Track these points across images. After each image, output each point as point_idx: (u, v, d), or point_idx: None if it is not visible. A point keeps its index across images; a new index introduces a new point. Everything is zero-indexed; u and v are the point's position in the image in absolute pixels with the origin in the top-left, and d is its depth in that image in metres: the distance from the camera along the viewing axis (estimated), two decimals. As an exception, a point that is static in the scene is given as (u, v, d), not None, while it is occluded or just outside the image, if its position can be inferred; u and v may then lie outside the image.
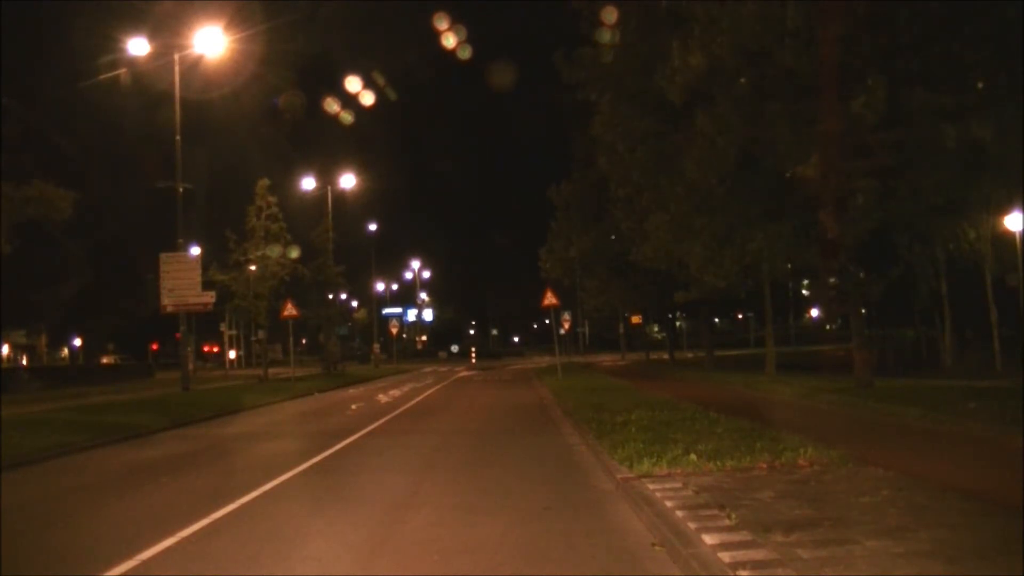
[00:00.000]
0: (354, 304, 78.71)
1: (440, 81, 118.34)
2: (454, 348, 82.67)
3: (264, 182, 34.60)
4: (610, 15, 19.60)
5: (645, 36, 19.18)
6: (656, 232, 21.59)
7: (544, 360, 53.75)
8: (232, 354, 60.99)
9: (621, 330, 59.33)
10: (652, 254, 23.05)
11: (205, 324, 52.30)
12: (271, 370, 36.99)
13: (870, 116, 14.51)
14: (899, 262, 26.13)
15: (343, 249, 45.64)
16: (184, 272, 25.15)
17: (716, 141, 17.15)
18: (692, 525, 5.72)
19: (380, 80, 33.88)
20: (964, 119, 13.64)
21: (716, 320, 78.59)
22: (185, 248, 26.97)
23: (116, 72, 23.50)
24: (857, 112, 14.58)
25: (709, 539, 5.34)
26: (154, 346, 63.47)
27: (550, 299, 26.58)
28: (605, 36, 20.34)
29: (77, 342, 57.87)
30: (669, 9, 17.73)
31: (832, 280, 18.05)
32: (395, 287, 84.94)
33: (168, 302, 24.99)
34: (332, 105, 33.50)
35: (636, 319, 53.18)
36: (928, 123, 14.33)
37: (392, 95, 36.06)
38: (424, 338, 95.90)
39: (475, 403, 20.32)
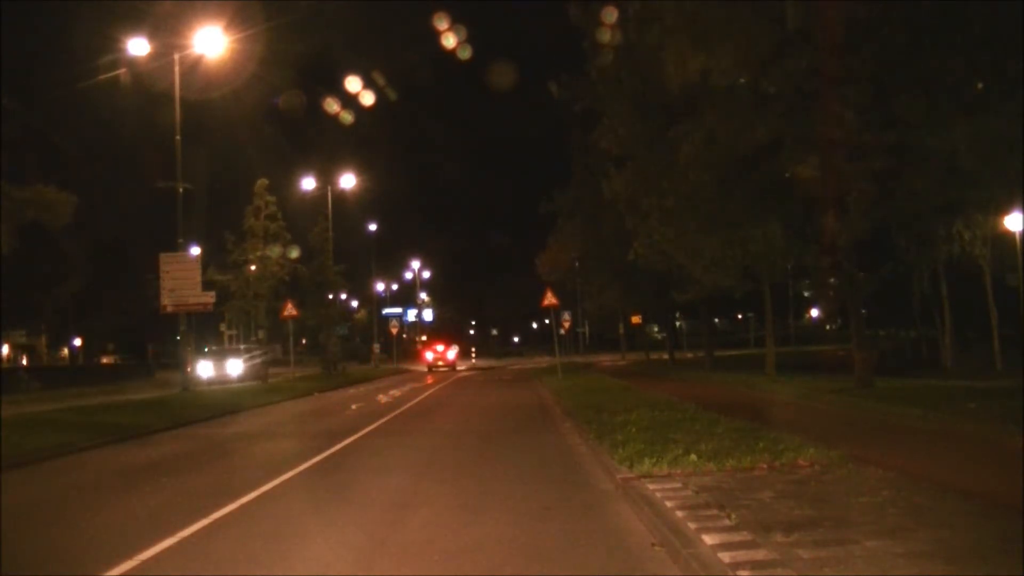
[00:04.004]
0: (354, 304, 78.65)
1: (440, 81, 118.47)
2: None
3: (263, 182, 34.63)
4: (610, 15, 19.63)
5: (644, 39, 19.21)
6: (654, 236, 21.65)
7: (544, 360, 53.74)
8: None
9: (621, 330, 59.32)
10: (649, 255, 23.08)
11: (205, 324, 52.27)
12: (271, 370, 36.99)
13: (854, 120, 14.56)
14: (896, 261, 26.12)
15: (343, 249, 45.75)
16: (184, 272, 25.13)
17: (714, 137, 17.18)
18: (692, 525, 5.73)
19: (380, 80, 33.89)
20: (956, 125, 13.66)
21: (716, 320, 78.56)
22: (185, 248, 26.96)
23: (116, 72, 23.48)
24: (845, 116, 14.64)
25: (709, 539, 5.34)
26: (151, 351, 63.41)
27: (550, 299, 26.59)
28: (605, 36, 20.38)
29: (77, 342, 57.81)
30: (666, 12, 17.73)
31: (831, 280, 18.08)
32: (395, 287, 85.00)
33: (168, 302, 24.96)
34: (332, 105, 33.51)
35: (636, 319, 53.15)
36: (922, 128, 14.36)
37: (392, 95, 36.08)
38: (424, 338, 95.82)
39: (475, 403, 20.32)
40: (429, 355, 38.68)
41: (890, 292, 30.89)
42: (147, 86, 24.91)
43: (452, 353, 31.13)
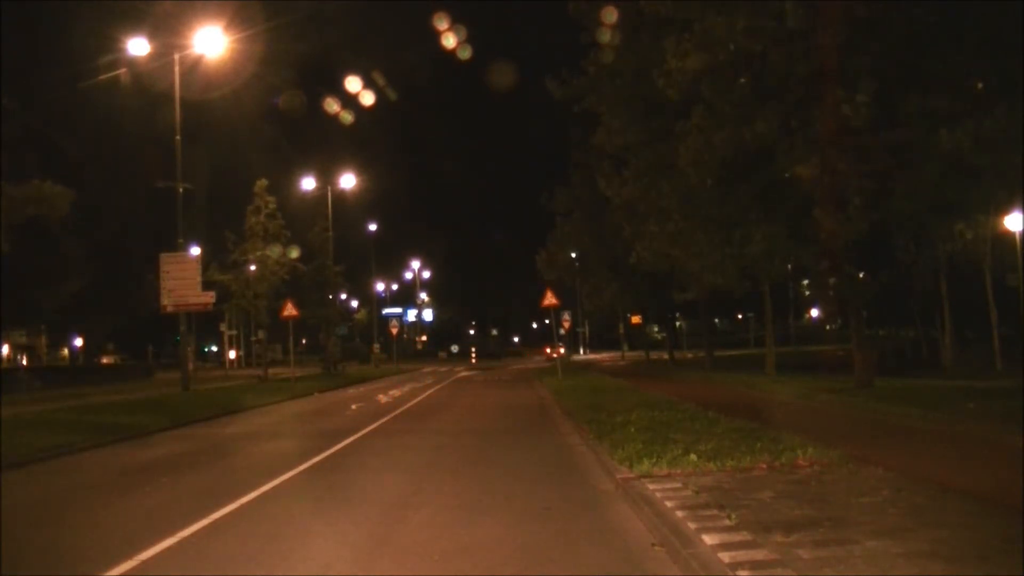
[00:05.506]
0: (354, 304, 78.67)
1: (440, 81, 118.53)
2: (454, 348, 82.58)
3: (263, 182, 34.61)
4: (610, 15, 19.67)
5: (643, 39, 19.24)
6: (654, 239, 21.68)
7: (544, 360, 53.80)
8: (232, 354, 60.93)
9: (621, 330, 59.36)
10: (649, 257, 23.10)
11: (205, 324, 52.28)
12: (271, 370, 36.99)
13: (856, 120, 14.58)
14: (895, 263, 26.14)
15: (343, 249, 45.72)
16: (184, 272, 25.13)
17: (712, 139, 17.18)
18: (692, 525, 5.73)
19: (380, 80, 33.93)
20: (958, 123, 13.68)
21: (716, 320, 78.61)
22: (185, 248, 26.96)
23: (116, 72, 23.47)
24: (846, 115, 14.66)
25: (709, 539, 5.34)
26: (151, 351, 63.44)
27: (550, 299, 26.59)
28: (605, 36, 20.40)
29: (77, 342, 57.83)
30: (665, 13, 17.73)
31: (832, 280, 18.08)
32: (395, 287, 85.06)
33: (168, 302, 24.97)
34: (332, 105, 33.53)
35: (636, 319, 53.21)
36: (923, 126, 14.38)
37: (392, 95, 36.12)
38: (424, 338, 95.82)
39: (475, 403, 20.32)
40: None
41: (890, 292, 30.92)
42: (147, 86, 24.92)
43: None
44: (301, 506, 7.72)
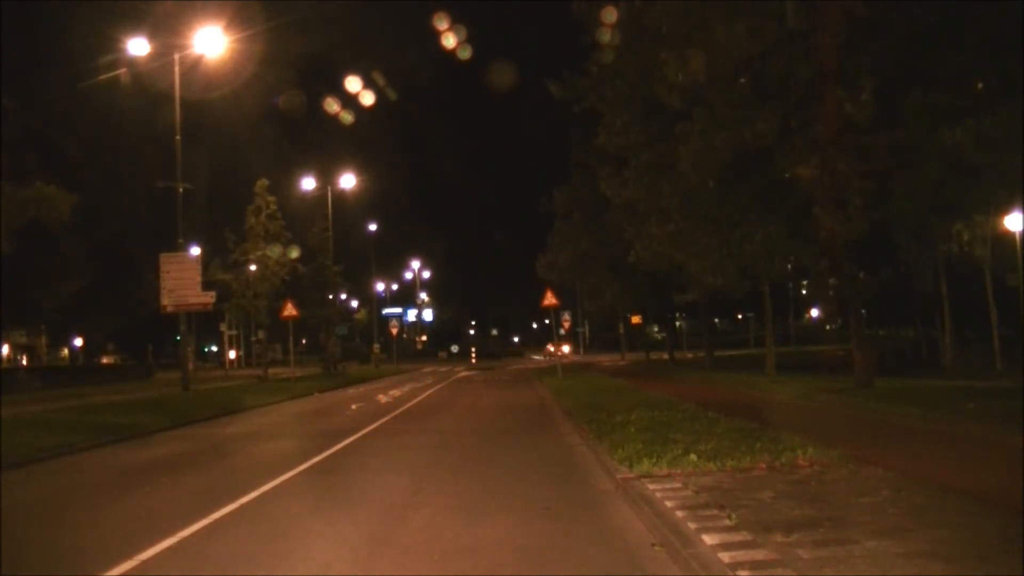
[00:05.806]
0: (354, 304, 78.70)
1: (440, 81, 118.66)
2: (454, 348, 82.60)
3: (263, 182, 34.63)
4: (610, 15, 19.66)
5: (645, 39, 19.23)
6: (654, 239, 21.70)
7: (544, 360, 53.82)
8: (232, 354, 60.93)
9: (621, 330, 59.36)
10: (649, 257, 23.11)
11: (205, 324, 52.25)
12: (271, 370, 37.00)
13: (860, 117, 14.58)
14: (895, 262, 26.10)
15: (343, 249, 45.75)
16: (184, 272, 25.14)
17: (713, 141, 17.18)
18: (692, 525, 5.73)
19: (380, 80, 33.89)
20: (959, 122, 13.68)
21: (716, 320, 78.60)
22: (185, 248, 26.96)
23: (116, 72, 23.48)
24: (849, 113, 14.67)
25: (709, 539, 5.35)
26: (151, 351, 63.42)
27: (550, 299, 26.60)
28: (606, 36, 20.39)
29: (77, 342, 57.80)
30: (667, 22, 17.70)
31: (831, 280, 18.08)
32: (395, 287, 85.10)
33: (168, 302, 24.97)
34: (332, 105, 33.53)
35: (636, 319, 53.19)
36: (924, 125, 14.39)
37: (392, 95, 36.08)
38: (424, 338, 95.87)
39: (475, 403, 20.32)
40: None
41: (890, 292, 30.90)
42: (147, 86, 24.92)
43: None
44: (301, 506, 7.72)
